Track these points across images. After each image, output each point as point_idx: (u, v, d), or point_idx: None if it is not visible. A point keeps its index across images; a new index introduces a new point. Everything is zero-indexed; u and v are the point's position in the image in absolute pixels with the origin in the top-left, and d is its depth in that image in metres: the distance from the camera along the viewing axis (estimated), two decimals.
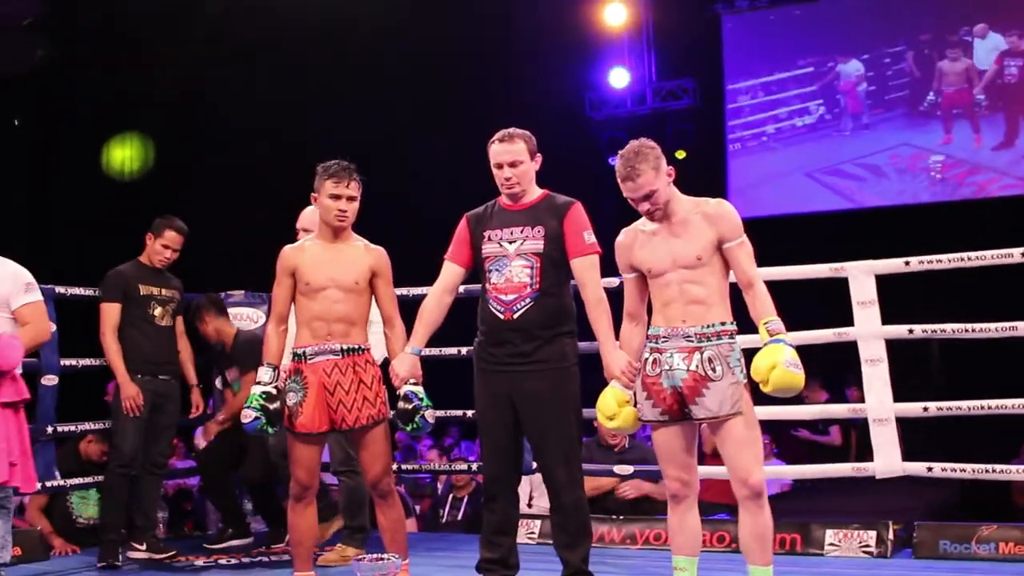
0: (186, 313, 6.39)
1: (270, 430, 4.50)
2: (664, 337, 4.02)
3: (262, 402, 4.45)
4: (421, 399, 4.44)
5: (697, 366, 3.95)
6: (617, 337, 4.26)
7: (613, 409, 4.13)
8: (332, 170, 4.55)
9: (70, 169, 12.74)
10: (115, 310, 5.89)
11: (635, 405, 4.14)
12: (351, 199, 4.56)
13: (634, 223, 4.18)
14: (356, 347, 4.53)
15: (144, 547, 5.87)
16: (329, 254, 4.57)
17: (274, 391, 4.49)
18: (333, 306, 4.51)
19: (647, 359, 4.07)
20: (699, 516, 4.14)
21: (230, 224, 12.17)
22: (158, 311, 5.99)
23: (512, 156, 4.43)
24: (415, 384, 4.46)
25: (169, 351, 6.07)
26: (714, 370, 3.94)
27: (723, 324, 3.99)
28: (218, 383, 6.73)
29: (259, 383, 4.50)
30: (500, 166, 4.44)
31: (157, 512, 6.08)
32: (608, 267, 4.47)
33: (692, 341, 3.97)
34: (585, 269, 4.39)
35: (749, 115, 12.51)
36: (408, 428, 4.47)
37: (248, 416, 4.46)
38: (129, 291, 5.93)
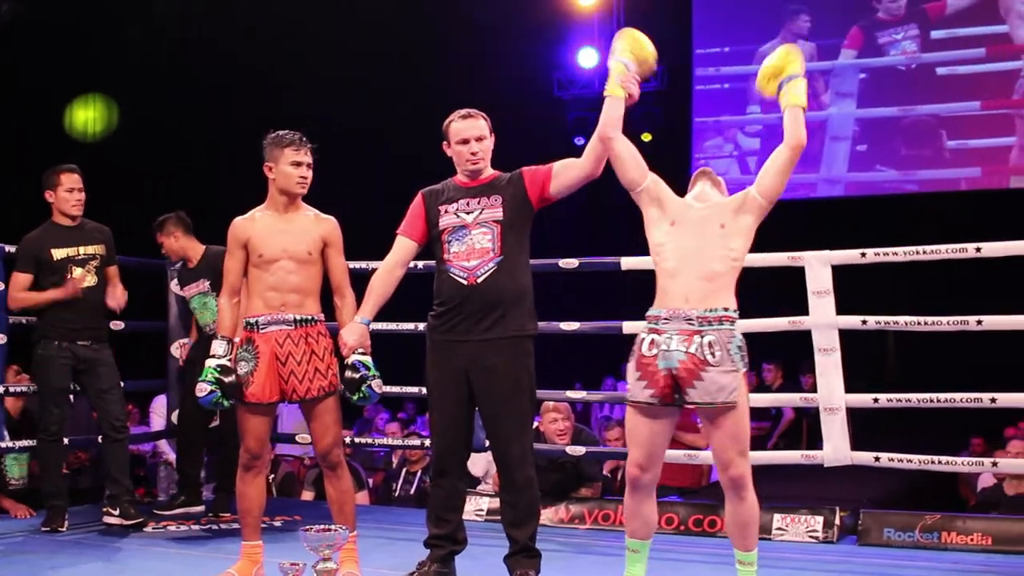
0: (152, 225, 6.34)
1: (225, 403, 4.45)
2: (665, 319, 3.93)
3: (217, 375, 4.41)
4: (368, 368, 4.43)
5: (696, 349, 3.85)
6: None
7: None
8: (289, 138, 4.54)
9: (32, 128, 12.59)
10: (23, 280, 5.76)
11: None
12: (310, 166, 4.55)
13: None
14: (309, 318, 4.51)
15: (117, 512, 5.81)
16: (281, 224, 4.54)
17: (229, 364, 4.46)
18: (287, 277, 4.48)
19: (644, 339, 3.97)
20: (656, 503, 4.11)
21: (194, 192, 12.09)
22: (77, 272, 5.80)
23: (479, 131, 4.46)
24: (363, 354, 4.44)
25: (91, 314, 5.88)
26: (713, 355, 3.84)
27: (726, 310, 3.91)
28: (174, 286, 6.69)
29: (213, 356, 4.46)
30: (467, 141, 4.45)
31: (128, 477, 5.96)
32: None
33: (693, 324, 3.88)
34: (564, 162, 4.47)
35: (716, 99, 12.52)
36: (355, 398, 4.45)
37: (203, 390, 4.41)
38: (42, 257, 5.76)
